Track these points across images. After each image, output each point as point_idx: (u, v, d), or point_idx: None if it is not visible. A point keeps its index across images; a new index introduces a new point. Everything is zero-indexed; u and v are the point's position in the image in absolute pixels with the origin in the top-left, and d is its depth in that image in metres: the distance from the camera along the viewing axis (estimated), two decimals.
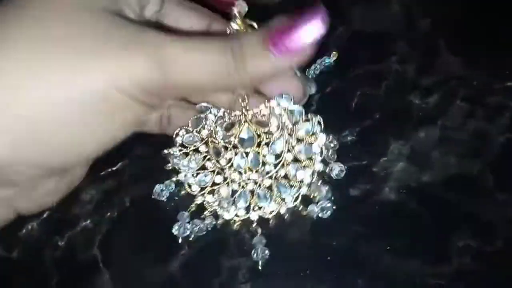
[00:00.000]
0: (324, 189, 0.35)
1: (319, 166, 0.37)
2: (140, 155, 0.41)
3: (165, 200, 0.37)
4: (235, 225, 0.36)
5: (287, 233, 0.36)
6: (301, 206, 0.36)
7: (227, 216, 0.36)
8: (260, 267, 0.35)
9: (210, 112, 0.37)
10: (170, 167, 0.38)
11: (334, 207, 0.35)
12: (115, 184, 0.40)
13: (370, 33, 0.47)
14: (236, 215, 0.36)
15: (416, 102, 0.42)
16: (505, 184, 0.37)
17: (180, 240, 0.36)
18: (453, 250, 0.35)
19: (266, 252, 0.34)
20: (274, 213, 0.36)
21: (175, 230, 0.35)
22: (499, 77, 0.43)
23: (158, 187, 0.37)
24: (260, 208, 0.36)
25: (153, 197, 0.37)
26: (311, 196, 0.36)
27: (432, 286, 0.34)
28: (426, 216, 0.36)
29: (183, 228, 0.35)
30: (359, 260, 0.35)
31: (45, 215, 0.39)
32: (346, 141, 0.41)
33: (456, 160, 0.39)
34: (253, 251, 0.35)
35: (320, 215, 0.35)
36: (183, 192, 0.37)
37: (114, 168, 0.41)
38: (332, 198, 0.36)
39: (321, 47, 0.45)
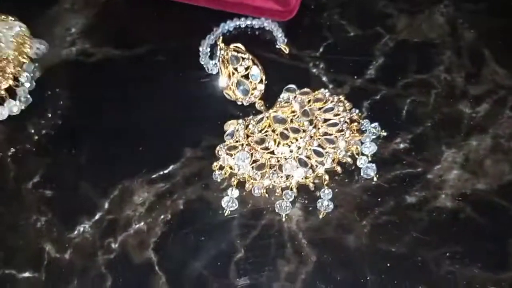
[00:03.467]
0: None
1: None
2: (191, 158, 0.41)
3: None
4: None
5: (344, 239, 0.36)
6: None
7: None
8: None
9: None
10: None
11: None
12: (168, 187, 0.40)
13: (416, 42, 0.48)
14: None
15: (467, 111, 0.43)
16: None
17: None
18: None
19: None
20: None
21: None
22: None
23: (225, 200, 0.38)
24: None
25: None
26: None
27: None
28: (483, 223, 0.36)
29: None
30: (418, 267, 0.35)
31: (96, 217, 0.39)
32: (399, 149, 0.41)
33: (510, 168, 0.39)
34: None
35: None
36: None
37: (166, 171, 0.41)
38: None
39: (366, 54, 0.47)
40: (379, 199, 0.38)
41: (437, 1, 0.50)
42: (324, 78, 0.45)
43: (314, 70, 0.46)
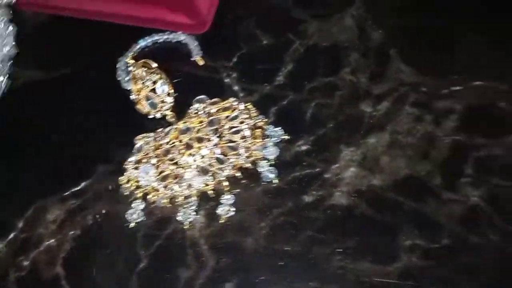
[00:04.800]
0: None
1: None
2: (103, 173, 0.42)
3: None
4: None
5: (243, 242, 0.37)
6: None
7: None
8: None
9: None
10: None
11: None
12: (79, 203, 0.41)
13: (325, 46, 0.49)
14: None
15: (368, 110, 0.44)
16: (452, 183, 0.39)
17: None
18: (401, 249, 0.36)
19: None
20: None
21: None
22: (447, 82, 0.45)
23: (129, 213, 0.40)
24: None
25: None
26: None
27: (381, 285, 0.34)
28: (376, 218, 0.38)
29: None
30: (310, 264, 0.36)
31: (11, 236, 0.40)
32: (301, 151, 0.42)
33: (405, 163, 0.40)
34: None
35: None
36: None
37: (78, 188, 0.42)
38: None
39: (277, 61, 0.49)
40: (278, 201, 0.39)
41: (348, 4, 0.51)
42: (235, 87, 0.47)
43: (227, 80, 0.48)
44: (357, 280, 0.35)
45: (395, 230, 0.37)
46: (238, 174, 0.40)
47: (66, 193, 0.42)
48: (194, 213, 0.39)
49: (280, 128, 0.43)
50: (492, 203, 0.37)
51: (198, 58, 0.49)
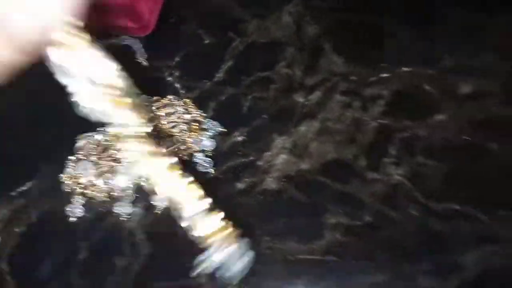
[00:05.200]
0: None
1: None
2: (47, 172, 0.44)
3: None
4: None
5: (177, 231, 0.39)
6: None
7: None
8: None
9: None
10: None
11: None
12: (24, 202, 0.43)
13: (263, 43, 0.51)
14: None
15: (300, 100, 0.46)
16: (376, 164, 0.40)
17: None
18: (326, 227, 0.38)
19: None
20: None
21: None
22: (376, 71, 0.47)
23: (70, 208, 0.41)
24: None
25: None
26: None
27: (306, 262, 0.36)
28: (302, 200, 0.39)
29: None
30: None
31: None
32: (237, 141, 0.44)
33: (333, 147, 0.42)
34: None
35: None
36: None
37: (24, 188, 0.44)
38: None
39: (217, 59, 0.51)
40: (213, 190, 0.41)
41: (286, 2, 0.54)
42: (177, 85, 0.49)
43: (170, 79, 0.49)
44: (284, 259, 0.36)
45: (320, 210, 0.38)
46: None
47: (12, 193, 0.43)
48: (131, 205, 0.40)
49: (216, 122, 0.44)
50: (413, 180, 0.39)
51: (142, 59, 0.51)
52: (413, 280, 0.34)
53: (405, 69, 0.46)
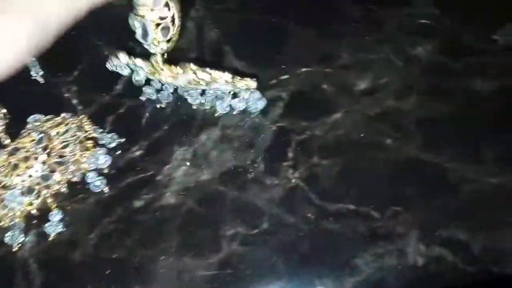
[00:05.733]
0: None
1: None
2: None
3: None
4: None
5: (72, 255, 0.37)
6: None
7: None
8: None
9: None
10: None
11: None
12: None
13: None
14: None
15: (201, 108, 0.45)
16: (274, 168, 0.40)
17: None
18: (223, 239, 0.37)
19: None
20: None
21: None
22: (276, 73, 0.46)
23: None
24: None
25: None
26: None
27: (202, 278, 0.35)
28: (201, 212, 0.38)
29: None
30: (135, 268, 0.36)
31: None
32: (135, 156, 0.42)
33: (233, 154, 0.41)
34: None
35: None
36: None
37: None
38: None
39: (117, 72, 0.49)
40: (109, 210, 0.39)
41: (189, 8, 0.52)
42: (74, 101, 0.47)
43: (67, 95, 0.47)
44: (179, 277, 0.35)
45: (218, 222, 0.38)
46: (64, 189, 0.40)
47: None
48: (22, 234, 0.38)
49: (114, 134, 0.43)
50: (309, 182, 0.39)
51: (38, 76, 0.48)
52: (311, 285, 0.34)
53: (304, 69, 0.46)
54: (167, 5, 0.39)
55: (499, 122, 0.40)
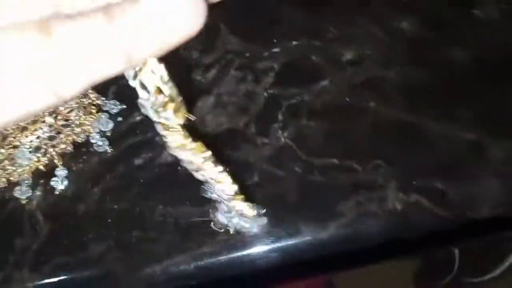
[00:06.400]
0: None
1: None
2: None
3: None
4: None
5: (76, 209, 0.40)
6: None
7: None
8: None
9: None
10: None
11: None
12: None
13: None
14: None
15: (197, 78, 0.48)
16: (265, 130, 0.43)
17: None
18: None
19: None
20: None
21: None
22: (268, 46, 0.49)
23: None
24: None
25: None
26: None
27: (196, 224, 0.38)
28: None
29: None
30: (135, 216, 0.39)
31: None
32: (135, 121, 0.45)
33: (227, 119, 0.44)
34: None
35: None
36: None
37: None
38: None
39: None
40: (111, 168, 0.42)
41: None
42: None
43: None
44: (176, 222, 0.38)
45: None
46: (70, 149, 0.43)
47: None
48: (30, 188, 0.41)
49: (116, 101, 0.46)
50: (297, 141, 0.42)
51: None
52: (295, 228, 0.37)
53: (294, 42, 0.49)
54: None
55: (474, 87, 0.43)
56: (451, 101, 0.43)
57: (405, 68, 0.46)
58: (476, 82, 0.44)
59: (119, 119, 0.46)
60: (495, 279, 0.60)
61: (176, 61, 0.48)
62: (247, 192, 0.38)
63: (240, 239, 0.36)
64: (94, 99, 0.46)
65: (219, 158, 0.41)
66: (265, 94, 0.46)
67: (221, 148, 0.42)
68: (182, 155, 0.33)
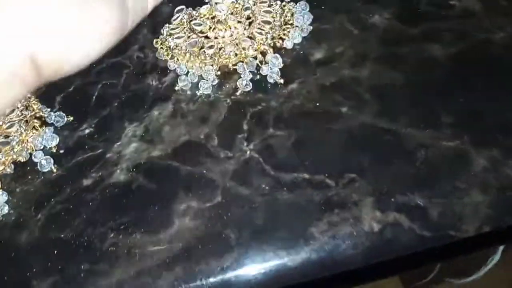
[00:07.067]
0: None
1: None
2: None
3: None
4: None
5: (18, 238, 0.36)
6: None
7: None
8: None
9: None
10: None
11: None
12: None
13: None
14: None
15: (153, 84, 0.43)
16: (228, 142, 0.39)
17: None
18: (175, 214, 0.35)
19: None
20: None
21: None
22: None
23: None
24: None
25: None
26: None
27: (151, 253, 0.34)
28: (152, 189, 0.37)
29: None
30: (84, 247, 0.35)
31: None
32: (84, 135, 0.41)
33: (186, 129, 0.40)
34: None
35: None
36: None
37: None
38: None
39: None
40: (57, 190, 0.38)
41: None
42: None
43: None
44: (128, 253, 0.34)
45: (170, 197, 0.36)
46: (10, 169, 0.38)
47: None
48: None
49: (62, 113, 0.41)
50: (263, 153, 0.38)
51: None
52: (264, 257, 0.33)
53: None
54: None
55: (455, 87, 0.40)
56: (430, 103, 0.39)
57: (379, 66, 0.42)
58: (456, 80, 0.40)
59: (66, 133, 0.41)
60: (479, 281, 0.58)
61: (130, 63, 0.44)
62: (208, 215, 0.34)
63: (200, 269, 0.32)
64: (38, 110, 0.41)
65: (178, 174, 0.37)
66: (228, 101, 0.41)
67: (180, 163, 0.38)
68: None
